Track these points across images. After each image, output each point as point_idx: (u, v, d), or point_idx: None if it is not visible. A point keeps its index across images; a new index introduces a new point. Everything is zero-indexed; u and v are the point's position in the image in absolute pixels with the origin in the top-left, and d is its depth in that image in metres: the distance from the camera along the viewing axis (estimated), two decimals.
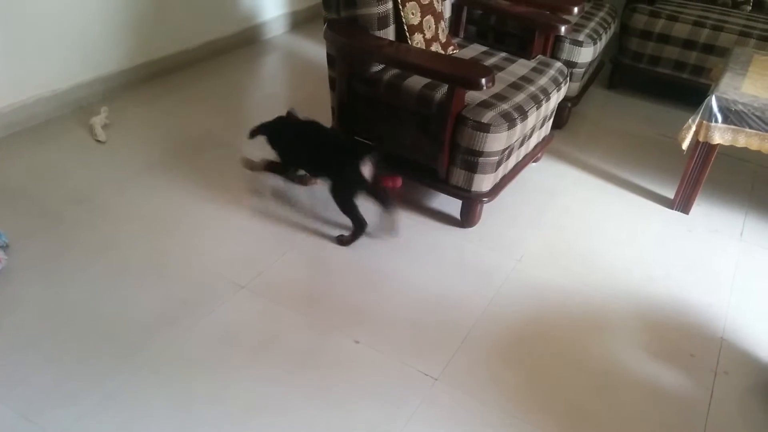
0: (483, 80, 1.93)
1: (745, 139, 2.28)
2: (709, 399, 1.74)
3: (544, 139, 2.63)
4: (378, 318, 1.90)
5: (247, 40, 3.76)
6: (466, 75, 1.99)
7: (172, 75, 3.27)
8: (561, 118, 3.01)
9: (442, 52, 2.41)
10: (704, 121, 2.30)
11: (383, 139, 2.33)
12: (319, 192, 2.43)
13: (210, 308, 1.87)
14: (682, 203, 2.54)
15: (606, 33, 3.11)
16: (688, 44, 3.28)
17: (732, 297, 2.13)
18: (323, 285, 2.02)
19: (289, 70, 3.69)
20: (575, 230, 2.41)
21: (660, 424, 1.66)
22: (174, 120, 2.87)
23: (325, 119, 2.48)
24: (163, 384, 1.62)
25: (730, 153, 2.81)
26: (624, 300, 2.07)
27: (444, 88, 2.09)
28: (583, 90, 3.17)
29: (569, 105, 3.03)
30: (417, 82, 2.17)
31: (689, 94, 3.14)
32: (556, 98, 2.44)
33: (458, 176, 2.19)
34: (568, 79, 2.58)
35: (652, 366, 1.83)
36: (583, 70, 2.92)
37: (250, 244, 2.15)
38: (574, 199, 2.60)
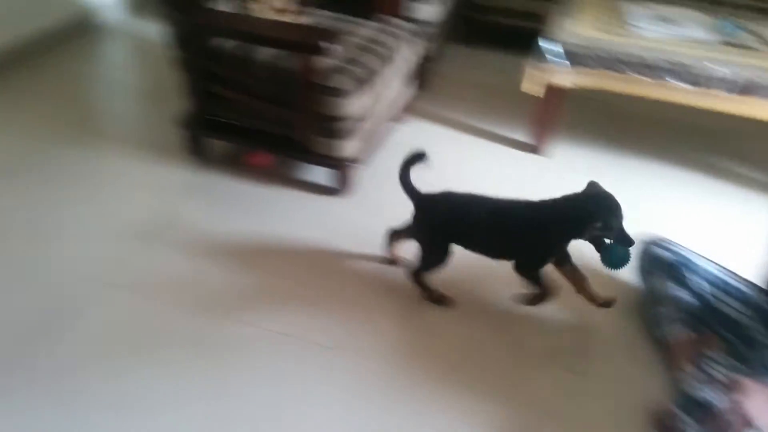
0: (325, 44, 1.92)
1: (586, 79, 2.43)
2: (586, 324, 1.87)
3: (406, 99, 2.67)
4: (264, 297, 1.87)
5: (80, 28, 3.47)
6: (307, 40, 1.98)
7: None
8: (422, 78, 3.05)
9: (285, 20, 2.36)
10: (543, 65, 2.42)
11: (242, 115, 2.26)
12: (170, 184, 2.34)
13: (82, 311, 1.77)
14: (541, 147, 2.68)
15: None
16: None
17: None
18: (198, 274, 1.95)
19: (132, 57, 3.49)
20: (447, 186, 2.46)
21: (549, 349, 1.79)
22: (8, 126, 2.64)
23: (179, 103, 2.37)
24: (51, 398, 1.53)
25: (582, 93, 2.93)
26: None
27: (293, 58, 2.05)
28: (440, 48, 3.24)
29: (428, 64, 3.08)
30: (266, 53, 2.12)
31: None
32: (409, 57, 2.47)
33: (322, 144, 2.18)
34: (421, 38, 2.62)
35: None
36: (435, 28, 2.97)
37: (111, 242, 2.04)
38: (442, 155, 2.62)
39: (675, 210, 2.41)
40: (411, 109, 2.84)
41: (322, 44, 1.91)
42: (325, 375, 1.65)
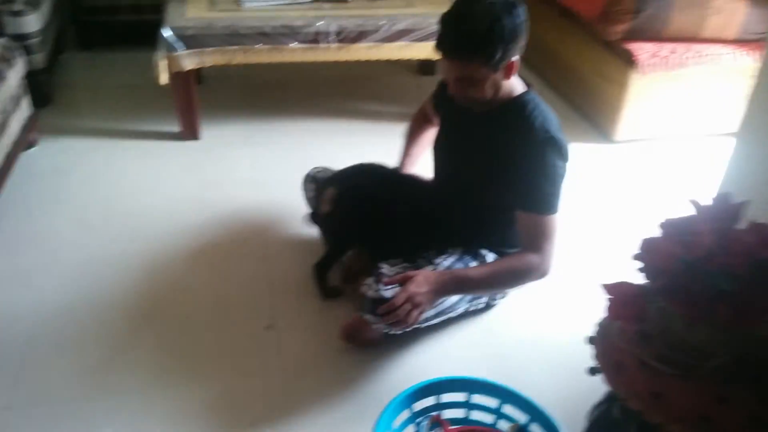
0: None
1: (210, 57, 2.48)
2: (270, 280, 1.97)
3: (26, 120, 2.40)
4: None
5: None
6: None
7: None
8: (42, 94, 2.76)
9: None
10: (168, 54, 2.40)
11: None
12: None
13: None
14: (190, 132, 2.67)
15: None
16: None
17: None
18: None
19: None
20: (105, 198, 2.31)
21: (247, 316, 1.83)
22: None
23: None
24: None
25: (223, 72, 2.85)
26: (182, 238, 2.13)
27: None
28: (52, 59, 2.95)
29: (42, 78, 2.78)
30: None
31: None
32: (12, 75, 2.22)
33: None
34: (20, 52, 2.36)
35: (229, 276, 1.97)
36: (39, 39, 2.70)
37: None
38: (91, 168, 2.49)
39: (333, 155, 2.58)
40: (38, 129, 2.57)
41: None
42: None
